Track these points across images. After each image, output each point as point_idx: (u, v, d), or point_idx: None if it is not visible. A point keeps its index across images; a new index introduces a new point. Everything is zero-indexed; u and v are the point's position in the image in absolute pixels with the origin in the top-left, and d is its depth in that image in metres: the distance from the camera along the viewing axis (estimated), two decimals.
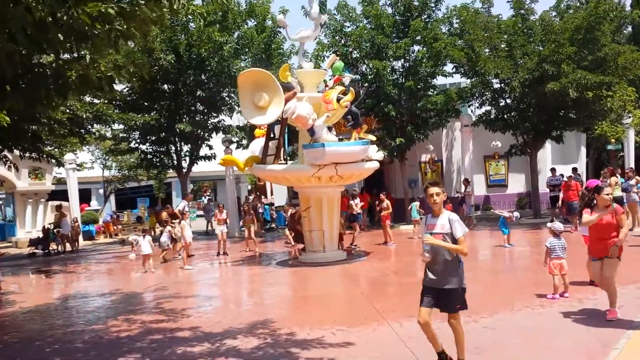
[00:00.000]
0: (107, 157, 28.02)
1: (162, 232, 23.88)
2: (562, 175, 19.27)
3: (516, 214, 15.90)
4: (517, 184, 24.18)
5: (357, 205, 16.29)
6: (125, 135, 22.43)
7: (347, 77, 14.26)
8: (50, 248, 19.95)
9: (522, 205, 23.40)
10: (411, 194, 24.26)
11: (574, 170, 19.94)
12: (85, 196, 34.49)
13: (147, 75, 8.45)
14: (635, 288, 8.24)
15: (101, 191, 34.62)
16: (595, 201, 6.88)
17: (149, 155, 22.73)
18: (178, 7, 6.51)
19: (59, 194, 26.76)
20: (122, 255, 17.52)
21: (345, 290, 10.47)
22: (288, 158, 15.07)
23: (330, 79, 14.70)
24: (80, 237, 24.11)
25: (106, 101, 17.85)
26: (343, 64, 14.54)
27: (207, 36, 19.72)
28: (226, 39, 19.65)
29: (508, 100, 20.58)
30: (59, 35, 5.33)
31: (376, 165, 13.75)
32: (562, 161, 23.56)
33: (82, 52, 6.44)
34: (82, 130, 17.30)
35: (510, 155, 21.79)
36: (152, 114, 21.08)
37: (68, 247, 20.38)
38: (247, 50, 20.45)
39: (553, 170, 20.02)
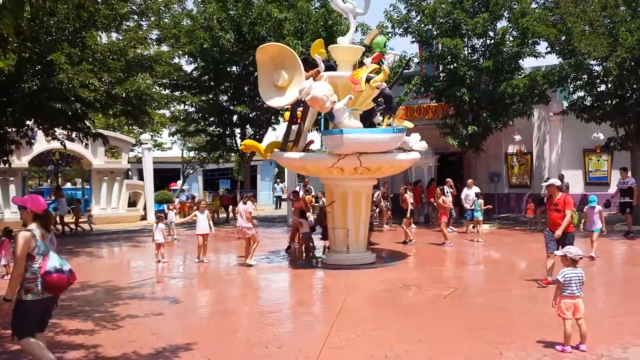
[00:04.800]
0: (185, 138, 28.17)
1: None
2: None
3: None
4: None
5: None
6: (195, 117, 22.15)
7: (391, 54, 12.46)
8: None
9: None
10: (493, 189, 21.71)
11: (623, 170, 15.66)
12: (174, 176, 35.48)
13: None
14: None
15: (191, 171, 35.43)
16: None
17: (214, 138, 22.31)
18: None
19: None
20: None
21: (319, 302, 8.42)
22: None
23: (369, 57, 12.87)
24: None
25: (163, 81, 17.52)
26: (385, 39, 12.72)
27: (266, 13, 18.67)
28: (285, 16, 18.42)
29: (609, 85, 17.32)
30: None
31: (415, 156, 11.88)
32: None
33: None
34: (136, 111, 17.08)
35: (610, 150, 18.45)
36: (212, 95, 20.53)
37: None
38: (307, 29, 19.08)
39: (624, 170, 15.89)
